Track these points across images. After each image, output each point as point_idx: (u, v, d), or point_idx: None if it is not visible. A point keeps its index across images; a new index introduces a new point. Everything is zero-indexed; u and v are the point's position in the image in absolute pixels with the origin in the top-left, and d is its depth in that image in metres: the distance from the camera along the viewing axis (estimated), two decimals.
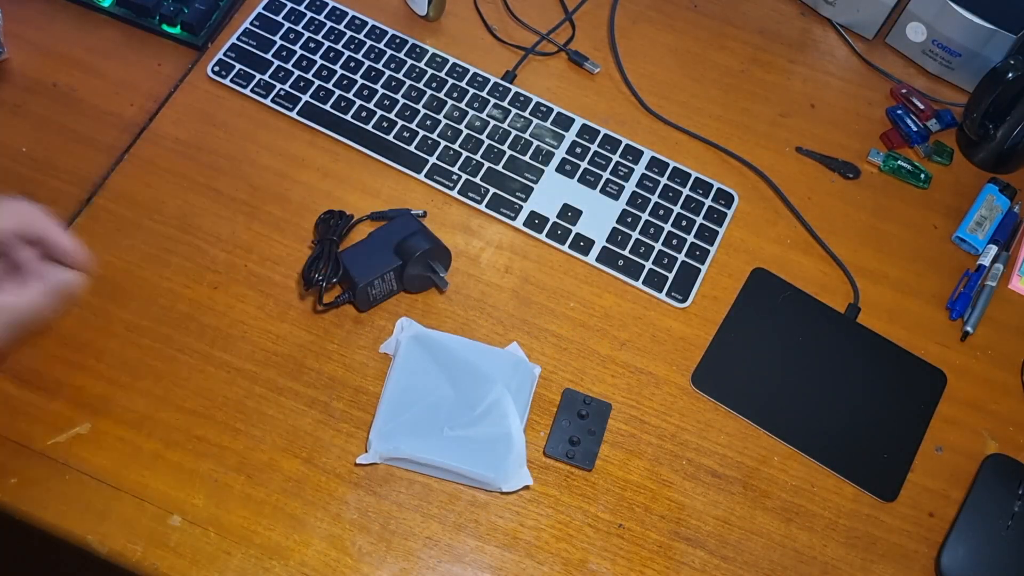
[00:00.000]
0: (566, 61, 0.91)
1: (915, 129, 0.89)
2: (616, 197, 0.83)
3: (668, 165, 0.85)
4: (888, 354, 0.79)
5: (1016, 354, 0.80)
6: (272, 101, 0.84)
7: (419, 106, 0.86)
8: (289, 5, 0.90)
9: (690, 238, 0.82)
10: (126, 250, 0.76)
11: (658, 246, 0.81)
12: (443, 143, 0.84)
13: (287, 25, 0.88)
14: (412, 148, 0.83)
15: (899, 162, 0.88)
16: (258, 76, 0.85)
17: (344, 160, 0.83)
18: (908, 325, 0.81)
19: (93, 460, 0.68)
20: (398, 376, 0.72)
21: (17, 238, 0.59)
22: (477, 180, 0.83)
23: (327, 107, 0.84)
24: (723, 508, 0.71)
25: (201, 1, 0.87)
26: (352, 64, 0.87)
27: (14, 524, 0.67)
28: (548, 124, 0.86)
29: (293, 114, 0.84)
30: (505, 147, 0.84)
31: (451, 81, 0.87)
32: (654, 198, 0.84)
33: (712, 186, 0.85)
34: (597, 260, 0.80)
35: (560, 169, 0.84)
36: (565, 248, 0.81)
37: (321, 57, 0.87)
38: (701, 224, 0.83)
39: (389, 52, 0.88)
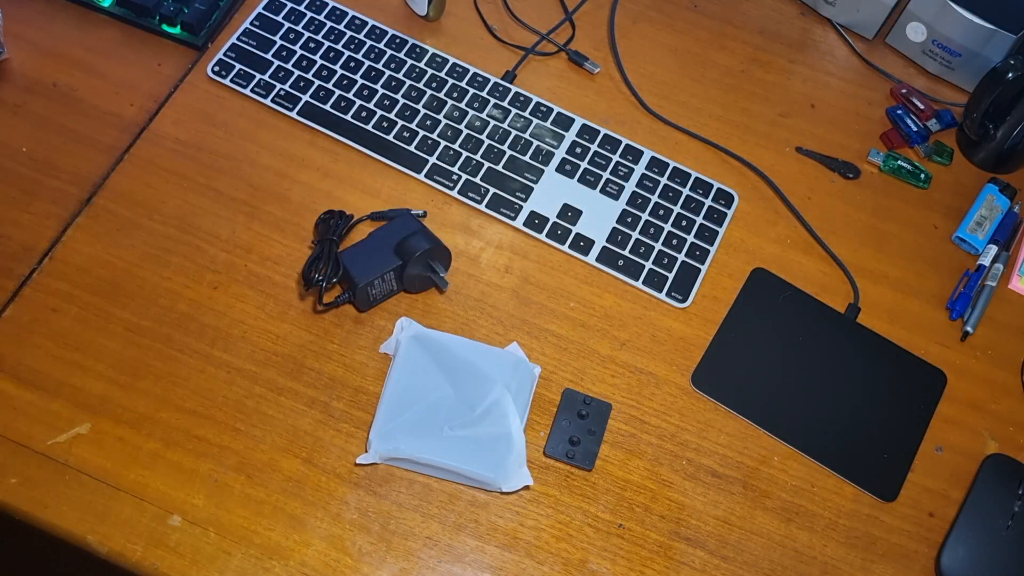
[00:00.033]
0: (566, 61, 0.91)
1: (915, 129, 0.89)
2: (616, 197, 0.83)
3: (668, 165, 0.85)
4: (888, 354, 0.79)
5: (1016, 354, 0.80)
6: (272, 101, 0.84)
7: (419, 106, 0.86)
8: (289, 5, 0.90)
9: (690, 238, 0.82)
10: (126, 250, 0.76)
11: (658, 246, 0.81)
12: (443, 143, 0.84)
13: (287, 25, 0.88)
14: (412, 148, 0.83)
15: (899, 162, 0.88)
16: (258, 76, 0.85)
17: (344, 160, 0.83)
18: (908, 325, 0.81)
19: (93, 460, 0.68)
20: (398, 376, 0.72)
21: None
22: (477, 180, 0.83)
23: (327, 107, 0.84)
24: (723, 508, 0.71)
25: (201, 1, 0.87)
26: (352, 64, 0.87)
27: (14, 524, 0.67)
28: (548, 124, 0.86)
29: (293, 114, 0.84)
30: (505, 147, 0.84)
31: (451, 81, 0.87)
32: (654, 198, 0.84)
33: (712, 186, 0.85)
34: (597, 260, 0.80)
35: (560, 169, 0.84)
36: (565, 248, 0.81)
37: (321, 57, 0.87)
38: (701, 224, 0.83)
39: (389, 52, 0.88)
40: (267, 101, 0.84)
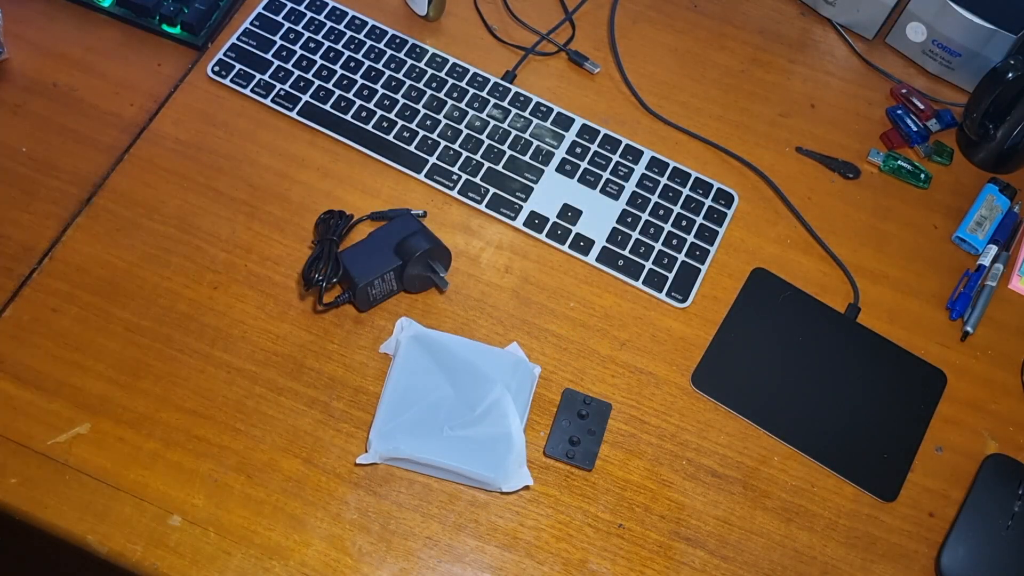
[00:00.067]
0: (566, 61, 0.91)
1: (915, 129, 0.89)
2: (616, 197, 0.83)
3: (668, 165, 0.85)
4: (888, 354, 0.79)
5: (1016, 354, 0.80)
6: (272, 101, 0.84)
7: (419, 106, 0.86)
8: (289, 5, 0.90)
9: (690, 238, 0.82)
10: (126, 250, 0.76)
11: (658, 246, 0.81)
12: (443, 143, 0.84)
13: (287, 25, 0.88)
14: (412, 148, 0.83)
15: (899, 162, 0.88)
16: (258, 76, 0.85)
17: (344, 160, 0.83)
18: (908, 325, 0.81)
19: (93, 460, 0.68)
20: (398, 376, 0.72)
21: None
22: (477, 180, 0.83)
23: (327, 107, 0.84)
24: (723, 508, 0.71)
25: (201, 1, 0.87)
26: (352, 64, 0.87)
27: (14, 524, 0.67)
28: (548, 124, 0.86)
29: (293, 114, 0.84)
30: (505, 147, 0.84)
31: (451, 81, 0.87)
32: (654, 198, 0.84)
33: (712, 186, 0.85)
34: (597, 260, 0.80)
35: (560, 169, 0.84)
36: (565, 248, 0.81)
37: (321, 57, 0.87)
38: (701, 224, 0.83)
39: (389, 52, 0.88)
40: (267, 101, 0.84)
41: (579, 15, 0.94)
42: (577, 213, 0.82)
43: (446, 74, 0.88)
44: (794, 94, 0.92)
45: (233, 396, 0.71)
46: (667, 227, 0.82)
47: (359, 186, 0.82)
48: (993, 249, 0.84)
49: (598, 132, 0.86)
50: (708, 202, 0.84)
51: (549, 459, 0.72)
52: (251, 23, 0.88)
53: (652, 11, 0.95)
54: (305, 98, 0.85)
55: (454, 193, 0.82)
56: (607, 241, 0.81)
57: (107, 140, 0.81)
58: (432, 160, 0.83)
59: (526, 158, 0.84)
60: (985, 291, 0.82)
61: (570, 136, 0.86)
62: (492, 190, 0.82)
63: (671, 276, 0.80)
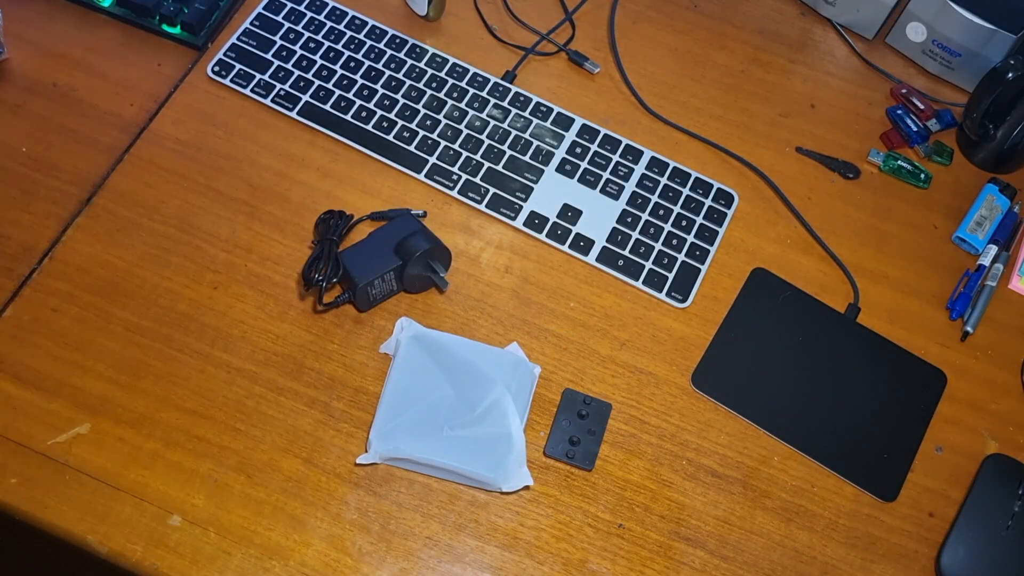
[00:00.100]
0: (566, 61, 0.91)
1: (915, 129, 0.89)
2: (616, 197, 0.83)
3: (668, 165, 0.85)
4: (888, 354, 0.79)
5: (1016, 354, 0.80)
6: (272, 101, 0.84)
7: (419, 106, 0.86)
8: (289, 5, 0.90)
9: (690, 238, 0.82)
10: (126, 250, 0.76)
11: (658, 246, 0.81)
12: (443, 143, 0.84)
13: (287, 25, 0.88)
14: (412, 148, 0.83)
15: (899, 162, 0.88)
16: (258, 76, 0.85)
17: (344, 160, 0.83)
18: (908, 325, 0.81)
19: (93, 460, 0.68)
20: (398, 376, 0.72)
21: None
22: (477, 180, 0.83)
23: (327, 107, 0.84)
24: (723, 508, 0.71)
25: (201, 1, 0.87)
26: (352, 64, 0.87)
27: (14, 524, 0.67)
28: (548, 124, 0.86)
29: (293, 114, 0.84)
30: (505, 147, 0.84)
31: (451, 81, 0.87)
32: (654, 198, 0.84)
33: (712, 186, 0.85)
34: (597, 260, 0.80)
35: (560, 169, 0.84)
36: (565, 248, 0.81)
37: (321, 57, 0.87)
38: (701, 224, 0.83)
39: (389, 52, 0.88)
40: (267, 101, 0.84)
41: (579, 15, 0.94)
42: (577, 213, 0.82)
43: (446, 74, 0.88)
44: (794, 94, 0.92)
45: (233, 396, 0.71)
46: (667, 227, 0.82)
47: (359, 186, 0.82)
48: (993, 249, 0.84)
49: (598, 132, 0.86)
50: (708, 202, 0.84)
51: (549, 459, 0.72)
52: (251, 23, 0.88)
53: (652, 11, 0.95)
54: (305, 98, 0.85)
55: (454, 193, 0.82)
56: (607, 241, 0.81)
57: (107, 140, 0.81)
58: (432, 160, 0.83)
59: (526, 158, 0.84)
60: (985, 291, 0.82)
61: (570, 136, 0.86)
62: (492, 190, 0.82)
63: (671, 276, 0.80)
